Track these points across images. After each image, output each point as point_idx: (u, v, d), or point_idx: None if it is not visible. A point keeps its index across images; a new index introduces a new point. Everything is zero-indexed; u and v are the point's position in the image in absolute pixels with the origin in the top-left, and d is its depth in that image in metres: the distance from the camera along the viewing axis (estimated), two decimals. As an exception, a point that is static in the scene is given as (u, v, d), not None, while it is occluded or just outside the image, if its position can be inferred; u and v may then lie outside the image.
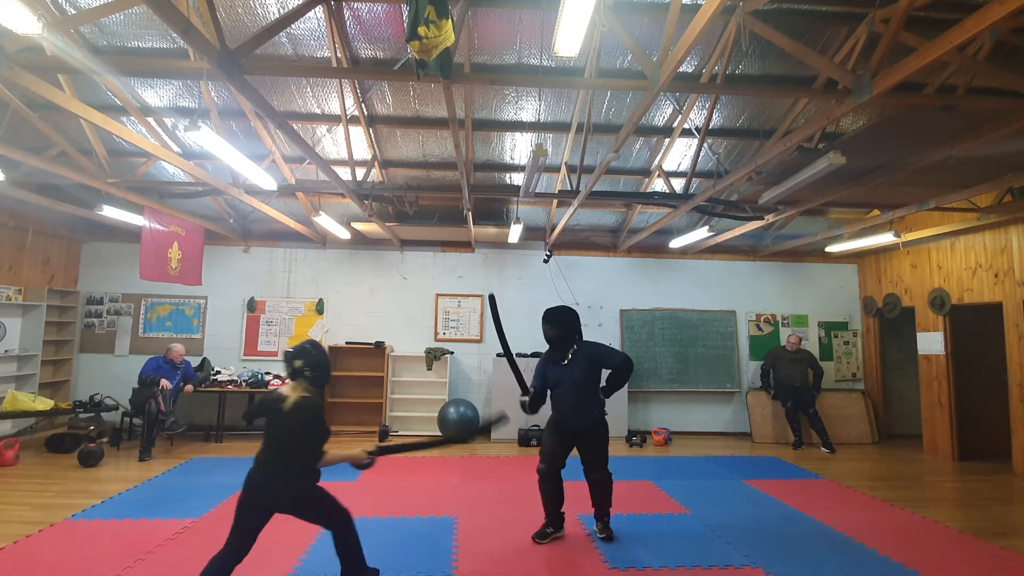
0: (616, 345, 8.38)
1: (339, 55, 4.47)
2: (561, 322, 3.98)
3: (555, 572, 3.53)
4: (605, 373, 3.98)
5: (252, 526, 2.77)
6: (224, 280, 8.19)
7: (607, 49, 4.55)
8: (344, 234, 7.37)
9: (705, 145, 5.76)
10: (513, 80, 4.61)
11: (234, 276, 8.24)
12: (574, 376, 3.89)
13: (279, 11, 4.18)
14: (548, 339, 4.00)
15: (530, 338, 8.26)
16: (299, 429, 2.81)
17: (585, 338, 4.14)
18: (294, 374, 2.89)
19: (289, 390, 2.90)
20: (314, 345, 2.98)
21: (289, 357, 2.91)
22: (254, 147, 5.95)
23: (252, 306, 8.17)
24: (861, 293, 8.72)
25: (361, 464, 3.06)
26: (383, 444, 3.18)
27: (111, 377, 7.77)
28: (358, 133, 5.81)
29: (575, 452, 4.05)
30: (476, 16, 4.28)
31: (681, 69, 4.52)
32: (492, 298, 4.04)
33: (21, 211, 6.83)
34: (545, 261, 8.28)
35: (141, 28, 4.41)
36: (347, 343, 8.05)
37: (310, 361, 2.89)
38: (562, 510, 4.07)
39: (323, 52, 4.64)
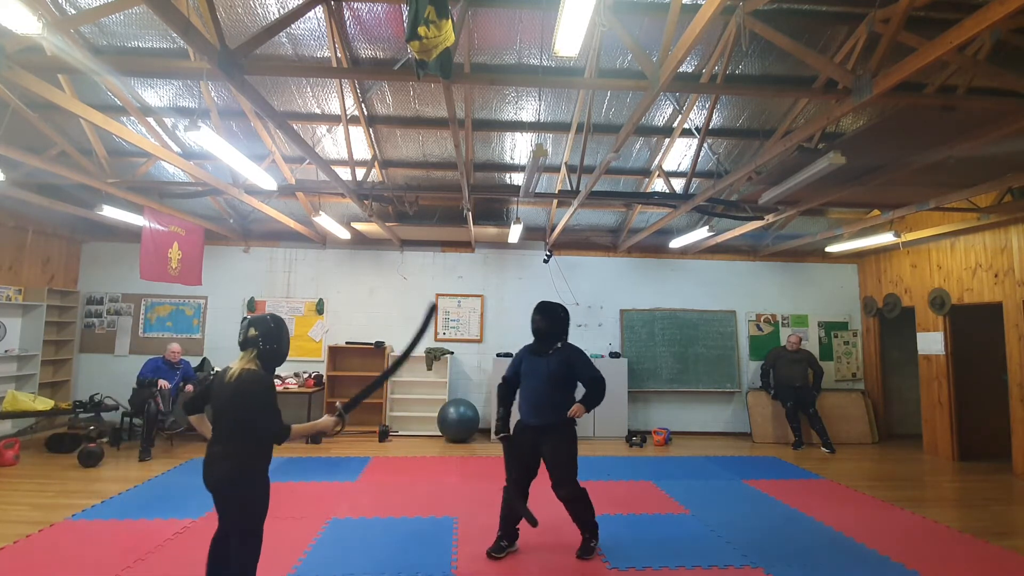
0: (616, 345, 8.38)
1: (339, 55, 4.47)
2: (551, 315, 3.89)
3: (555, 572, 3.52)
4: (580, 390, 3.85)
5: (218, 509, 2.61)
6: (224, 280, 8.19)
7: (607, 49, 4.55)
8: (344, 234, 7.37)
9: (705, 145, 5.76)
10: (513, 80, 4.61)
11: (234, 276, 8.24)
12: (550, 368, 3.75)
13: (279, 11, 4.18)
14: (535, 330, 3.92)
15: (529, 338, 8.26)
16: (237, 401, 2.57)
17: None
18: (245, 343, 2.68)
19: (236, 362, 2.70)
20: (274, 318, 2.76)
21: (245, 324, 2.70)
22: (254, 147, 5.96)
23: (252, 306, 8.17)
24: (861, 293, 8.72)
25: (332, 430, 2.85)
26: (347, 401, 2.92)
27: (111, 377, 7.77)
28: (358, 133, 5.81)
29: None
30: (476, 16, 4.28)
31: (681, 69, 4.52)
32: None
33: (21, 211, 6.84)
34: (545, 261, 8.28)
35: (141, 28, 4.41)
36: (347, 343, 8.05)
37: (264, 331, 2.68)
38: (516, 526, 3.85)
39: (323, 52, 4.64)
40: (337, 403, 2.92)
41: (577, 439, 3.78)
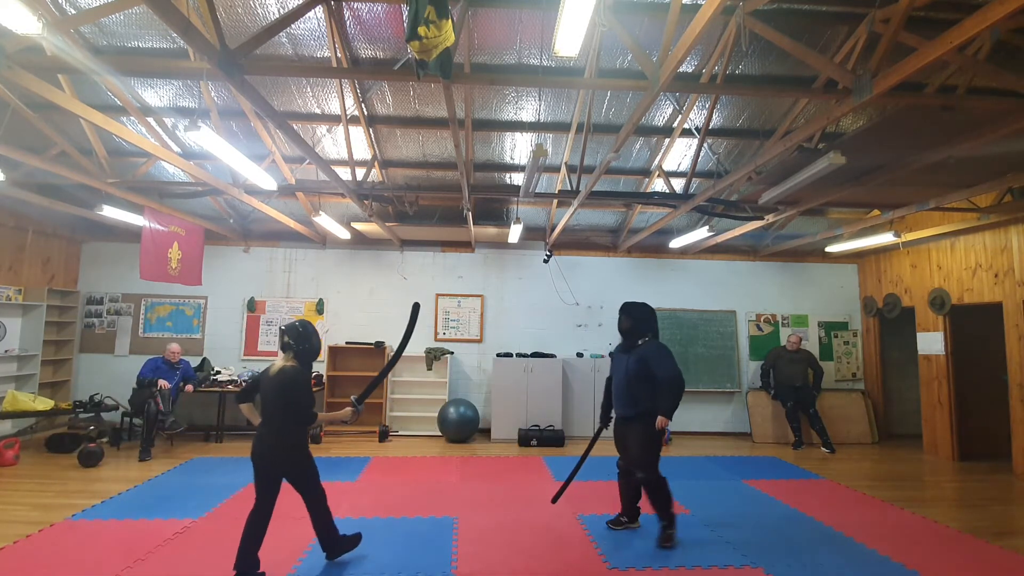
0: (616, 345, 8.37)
1: (339, 55, 4.47)
2: (631, 315, 4.14)
3: (555, 572, 3.52)
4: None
5: (266, 488, 3.25)
6: (224, 280, 8.19)
7: (607, 49, 4.55)
8: (344, 234, 7.37)
9: (705, 145, 5.76)
10: (513, 80, 4.61)
11: (234, 276, 8.24)
12: (629, 365, 4.01)
13: (279, 11, 4.18)
14: (619, 329, 4.23)
15: (529, 338, 8.30)
16: (280, 392, 3.22)
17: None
18: (284, 347, 3.34)
19: (278, 360, 3.35)
20: (303, 324, 3.41)
21: (281, 332, 3.44)
22: (254, 147, 5.96)
23: (252, 306, 8.17)
24: (861, 293, 8.72)
25: (349, 418, 3.46)
26: (360, 394, 3.55)
27: (111, 377, 7.77)
28: (358, 133, 5.81)
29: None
30: (476, 16, 4.28)
31: (681, 69, 4.52)
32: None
33: (21, 211, 6.84)
34: (545, 261, 8.28)
35: (141, 28, 4.42)
36: (347, 343, 8.05)
37: (294, 336, 3.33)
38: (637, 505, 4.24)
39: (323, 52, 4.64)
40: (352, 396, 3.52)
41: (655, 431, 3.94)
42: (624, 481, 4.22)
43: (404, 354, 3.89)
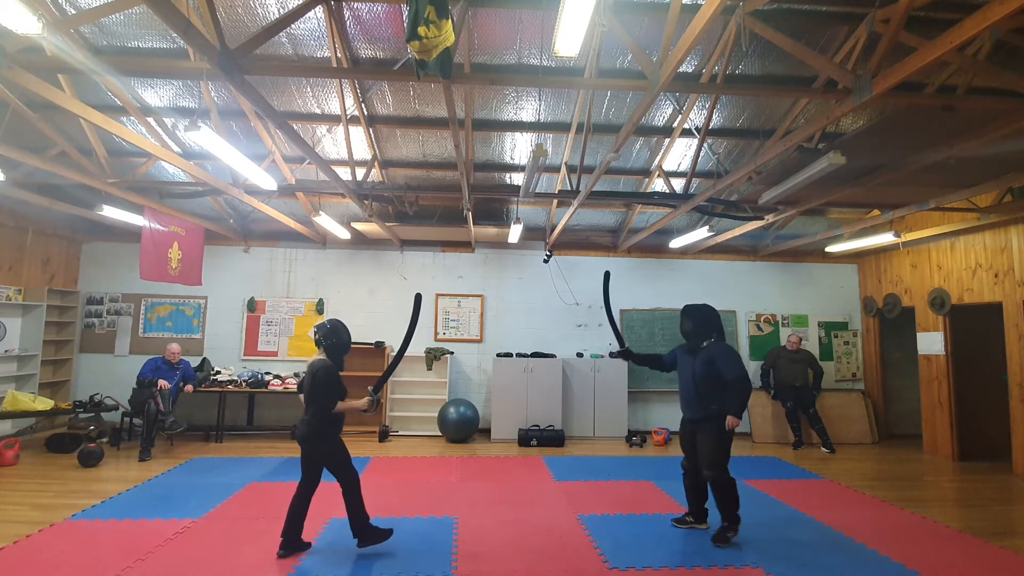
0: (616, 345, 8.35)
1: (339, 55, 4.47)
2: (692, 317, 4.17)
3: (555, 572, 3.52)
4: None
5: (308, 469, 3.66)
6: (224, 280, 8.19)
7: (607, 49, 4.55)
8: (344, 234, 7.37)
9: (705, 145, 5.76)
10: (513, 80, 4.61)
11: (234, 276, 8.24)
12: (695, 366, 4.03)
13: (279, 11, 4.18)
14: (682, 332, 4.27)
15: (529, 338, 8.30)
16: (312, 382, 3.62)
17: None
18: (317, 344, 3.81)
19: (316, 355, 3.79)
20: (330, 322, 3.84)
21: (313, 332, 3.89)
22: (254, 147, 5.96)
23: (252, 306, 8.17)
24: (861, 293, 8.72)
25: (367, 408, 3.75)
26: (375, 385, 3.84)
27: (111, 377, 7.77)
28: (358, 133, 5.81)
29: None
30: (476, 16, 4.28)
31: (681, 69, 4.52)
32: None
33: (21, 211, 6.84)
34: (545, 261, 8.28)
35: (141, 28, 4.41)
36: (347, 343, 8.04)
37: (323, 333, 3.78)
38: (704, 506, 4.26)
39: (323, 52, 4.64)
40: (369, 388, 3.84)
41: (725, 431, 3.96)
42: (689, 481, 4.24)
43: (404, 354, 3.99)
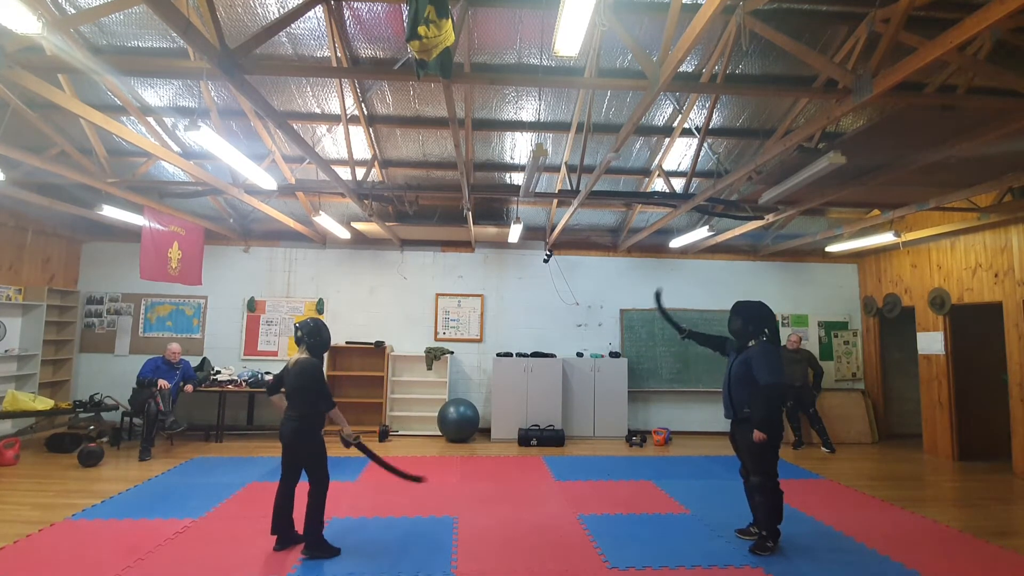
0: (616, 345, 8.38)
1: (339, 55, 4.47)
2: (740, 314, 4.00)
3: (555, 572, 3.52)
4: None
5: (289, 466, 3.75)
6: (224, 280, 8.19)
7: (607, 49, 4.55)
8: (344, 234, 7.37)
9: (705, 145, 5.76)
10: (513, 80, 4.60)
11: (234, 276, 8.24)
12: (733, 369, 3.93)
13: (279, 11, 4.18)
14: (730, 331, 4.10)
15: (529, 338, 8.30)
16: (299, 380, 3.69)
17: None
18: (298, 341, 3.82)
19: (295, 355, 3.84)
20: (314, 320, 3.88)
21: (295, 328, 3.86)
22: (254, 147, 5.96)
23: (252, 306, 8.17)
24: (861, 293, 8.72)
25: (347, 435, 3.85)
26: (367, 447, 3.95)
27: (111, 377, 7.78)
28: (358, 133, 5.81)
29: None
30: (476, 16, 4.28)
31: (681, 69, 4.53)
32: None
33: (21, 211, 6.84)
34: (545, 261, 8.28)
35: (141, 28, 4.42)
36: (347, 343, 8.05)
37: (307, 331, 3.81)
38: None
39: (323, 52, 4.64)
40: (360, 438, 3.95)
41: (755, 442, 3.77)
42: (746, 487, 4.07)
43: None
